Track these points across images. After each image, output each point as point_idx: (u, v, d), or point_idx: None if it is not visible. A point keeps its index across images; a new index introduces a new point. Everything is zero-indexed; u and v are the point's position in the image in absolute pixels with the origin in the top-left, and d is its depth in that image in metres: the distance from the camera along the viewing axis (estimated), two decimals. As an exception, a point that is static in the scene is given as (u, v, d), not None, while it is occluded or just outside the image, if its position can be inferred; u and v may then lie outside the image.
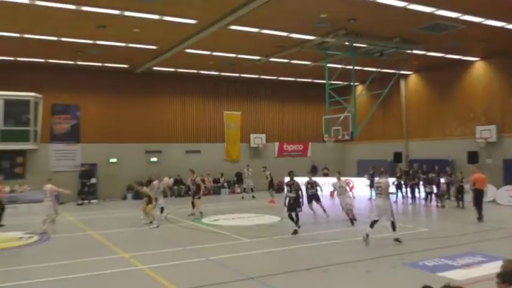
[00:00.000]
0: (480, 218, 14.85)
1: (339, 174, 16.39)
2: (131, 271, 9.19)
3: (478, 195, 15.10)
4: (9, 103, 21.23)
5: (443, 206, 18.90)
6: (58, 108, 23.47)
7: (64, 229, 14.63)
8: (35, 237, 13.10)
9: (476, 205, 15.05)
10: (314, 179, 16.87)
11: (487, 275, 7.59)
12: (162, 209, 16.48)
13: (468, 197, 17.49)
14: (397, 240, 11.27)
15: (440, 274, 8.39)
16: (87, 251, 11.07)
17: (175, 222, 15.65)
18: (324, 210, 15.93)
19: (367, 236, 11.13)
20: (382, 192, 11.55)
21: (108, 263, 9.90)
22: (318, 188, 16.29)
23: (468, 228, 13.54)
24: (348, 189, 16.17)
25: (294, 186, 13.28)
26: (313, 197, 16.04)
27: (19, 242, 12.53)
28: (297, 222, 12.96)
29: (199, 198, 16.97)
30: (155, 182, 16.42)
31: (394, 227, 11.39)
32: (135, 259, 10.08)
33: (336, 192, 16.36)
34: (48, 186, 14.32)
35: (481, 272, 8.39)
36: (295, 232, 12.81)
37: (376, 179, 12.56)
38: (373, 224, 11.33)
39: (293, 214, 13.01)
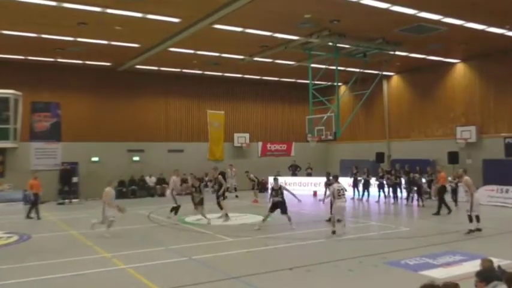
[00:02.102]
0: (438, 212, 16.53)
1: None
2: (113, 271, 9.09)
3: (440, 190, 16.92)
4: (-13, 101, 20.81)
5: (423, 206, 19.16)
6: (38, 106, 23.08)
7: (44, 229, 14.45)
8: (15, 237, 12.87)
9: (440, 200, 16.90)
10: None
11: (467, 274, 7.71)
12: (176, 209, 15.60)
13: (448, 197, 18.21)
14: (470, 231, 12.54)
15: (422, 273, 8.49)
16: (68, 251, 10.92)
17: (157, 222, 15.53)
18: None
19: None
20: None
21: (90, 262, 9.78)
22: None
23: (448, 227, 13.73)
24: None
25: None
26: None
27: (-2, 242, 12.30)
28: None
29: (224, 198, 16.06)
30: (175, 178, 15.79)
31: (470, 219, 12.67)
32: (117, 259, 9.98)
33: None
34: (107, 189, 13.68)
35: (461, 271, 8.52)
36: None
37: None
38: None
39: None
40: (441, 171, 17.69)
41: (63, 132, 23.48)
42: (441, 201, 16.81)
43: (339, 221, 13.03)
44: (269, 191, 14.54)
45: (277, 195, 13.84)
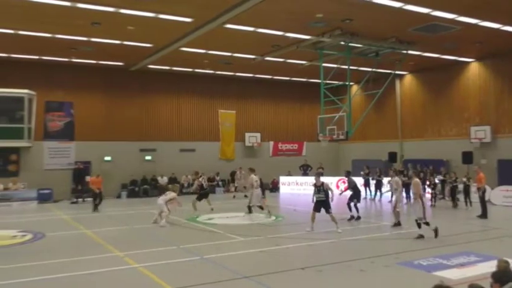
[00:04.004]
0: (485, 215, 15.68)
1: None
2: (125, 270, 9.13)
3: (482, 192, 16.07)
4: (2, 100, 21.08)
5: (434, 205, 19.02)
6: (52, 106, 23.29)
7: (58, 227, 14.58)
8: (29, 236, 13.00)
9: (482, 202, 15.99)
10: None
11: (482, 275, 7.63)
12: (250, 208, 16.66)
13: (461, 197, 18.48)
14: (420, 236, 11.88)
15: (435, 273, 8.40)
16: (81, 250, 11.01)
17: (169, 221, 15.57)
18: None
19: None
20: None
21: (103, 261, 9.83)
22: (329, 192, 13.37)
23: (462, 228, 13.59)
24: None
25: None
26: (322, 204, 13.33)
27: (12, 241, 12.42)
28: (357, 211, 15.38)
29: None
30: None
31: (419, 226, 12.10)
32: (129, 258, 10.02)
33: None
34: (172, 194, 15.42)
35: (475, 272, 8.41)
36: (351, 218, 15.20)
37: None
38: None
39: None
40: (480, 172, 16.44)
41: (76, 132, 23.67)
42: (483, 203, 15.76)
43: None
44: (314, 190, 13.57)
45: (320, 193, 13.05)
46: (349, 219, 15.21)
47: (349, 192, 16.12)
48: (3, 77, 21.66)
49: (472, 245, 11.04)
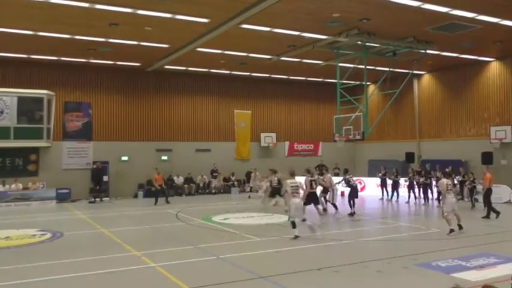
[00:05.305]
0: (488, 215, 15.55)
1: None
2: (142, 269, 9.19)
3: (486, 193, 15.86)
4: (22, 100, 21.42)
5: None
6: (70, 106, 23.59)
7: (76, 227, 14.78)
8: (48, 235, 13.19)
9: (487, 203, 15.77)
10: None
11: (502, 276, 7.50)
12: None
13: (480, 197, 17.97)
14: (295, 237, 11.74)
15: (454, 275, 8.28)
16: (99, 249, 11.12)
17: (185, 221, 15.67)
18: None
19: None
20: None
21: (120, 260, 9.91)
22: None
23: (482, 229, 13.36)
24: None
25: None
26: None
27: (32, 240, 12.61)
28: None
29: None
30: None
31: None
32: (146, 257, 10.09)
33: None
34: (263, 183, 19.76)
35: (495, 274, 8.25)
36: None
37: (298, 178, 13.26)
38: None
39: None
40: (486, 173, 16.10)
41: (94, 132, 23.95)
42: (488, 205, 15.46)
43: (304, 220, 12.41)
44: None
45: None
46: (350, 215, 16.19)
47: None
48: (22, 78, 22.07)
49: (492, 247, 10.84)
